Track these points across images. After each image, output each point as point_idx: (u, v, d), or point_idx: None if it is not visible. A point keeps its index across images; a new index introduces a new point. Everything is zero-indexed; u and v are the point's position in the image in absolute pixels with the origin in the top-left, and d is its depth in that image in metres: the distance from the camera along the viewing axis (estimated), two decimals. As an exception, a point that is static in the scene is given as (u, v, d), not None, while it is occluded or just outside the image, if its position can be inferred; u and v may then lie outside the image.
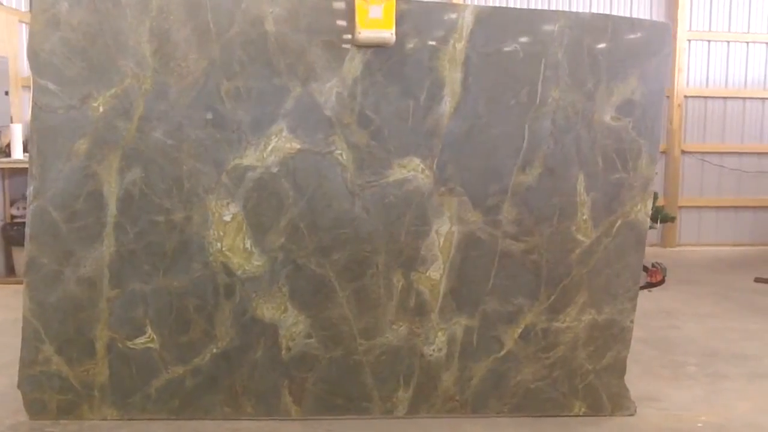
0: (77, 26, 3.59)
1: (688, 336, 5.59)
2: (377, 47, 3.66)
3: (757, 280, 7.47)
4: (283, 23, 3.65)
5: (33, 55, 3.60)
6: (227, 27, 3.63)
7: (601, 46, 3.79)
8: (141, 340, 3.80)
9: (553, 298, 3.92)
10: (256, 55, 3.66)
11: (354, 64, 3.69)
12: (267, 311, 3.81)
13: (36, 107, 3.62)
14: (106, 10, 3.57)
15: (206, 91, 3.65)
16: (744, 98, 9.84)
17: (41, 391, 3.79)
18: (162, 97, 3.64)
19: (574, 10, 8.83)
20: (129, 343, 3.79)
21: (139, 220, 3.70)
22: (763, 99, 9.88)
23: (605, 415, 4.03)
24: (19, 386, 3.80)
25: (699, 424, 3.94)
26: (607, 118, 3.83)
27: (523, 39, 3.75)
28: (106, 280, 3.73)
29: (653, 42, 3.80)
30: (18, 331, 3.78)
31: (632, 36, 3.79)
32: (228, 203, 3.72)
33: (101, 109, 3.63)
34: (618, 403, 4.06)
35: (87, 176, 3.66)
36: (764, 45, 9.84)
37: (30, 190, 3.67)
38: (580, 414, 4.02)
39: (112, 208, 3.69)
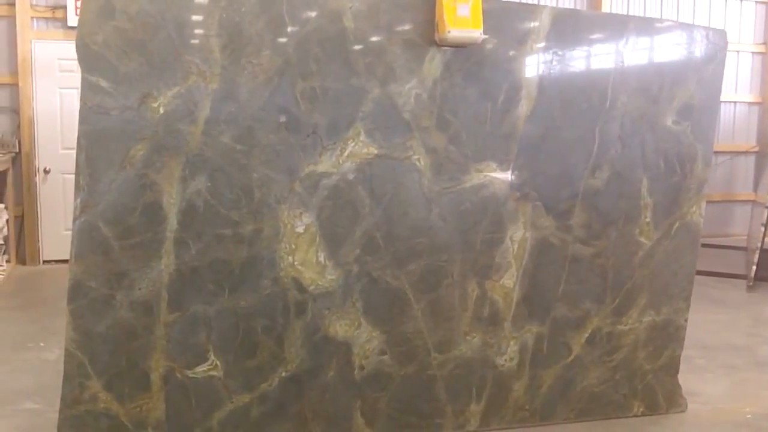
0: (135, 16, 3.15)
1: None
2: (458, 47, 3.50)
3: (697, 272, 7.92)
4: (363, 19, 3.40)
5: (82, 46, 3.12)
6: (304, 22, 3.33)
7: (666, 50, 3.83)
8: (202, 368, 3.40)
9: (617, 301, 3.93)
10: (334, 53, 3.38)
11: (434, 64, 3.50)
12: (340, 328, 3.54)
13: (85, 107, 3.14)
14: (168, -2, 3.17)
15: (280, 91, 3.32)
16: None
17: (86, 434, 3.31)
18: (231, 98, 3.27)
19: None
20: (189, 373, 3.39)
21: (203, 235, 3.31)
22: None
23: (661, 414, 4.10)
24: (59, 429, 3.30)
25: (748, 416, 4.10)
26: (669, 122, 3.89)
27: (596, 42, 3.73)
28: (164, 303, 3.31)
29: (711, 47, 3.90)
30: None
31: (693, 41, 3.87)
32: (301, 213, 3.41)
33: (162, 111, 3.21)
34: (672, 400, 4.14)
35: (144, 186, 3.23)
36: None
37: (77, 203, 3.18)
38: (639, 414, 4.07)
39: (172, 221, 3.27)
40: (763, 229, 7.66)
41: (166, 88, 3.21)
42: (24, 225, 7.89)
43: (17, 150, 7.78)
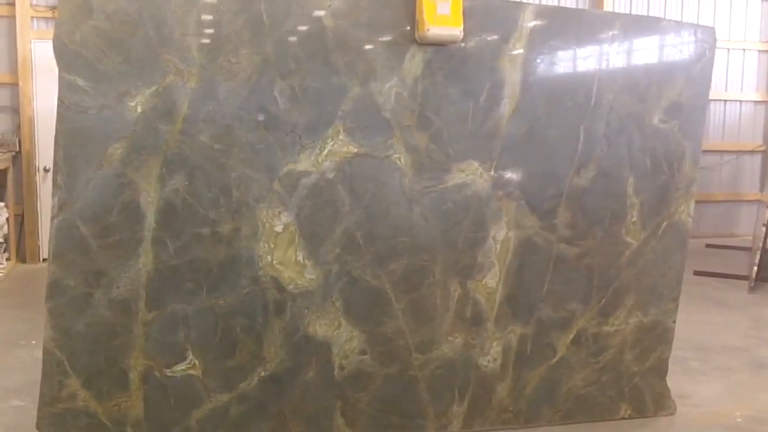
0: (113, 14, 3.14)
1: (671, 331, 5.77)
2: (439, 45, 3.47)
3: (697, 272, 7.87)
4: (343, 17, 3.38)
5: (60, 46, 3.12)
6: (282, 20, 3.31)
7: (653, 48, 3.79)
8: (181, 366, 3.40)
9: (603, 301, 3.89)
10: (313, 52, 3.36)
11: (415, 62, 3.48)
12: (320, 328, 3.52)
13: (63, 106, 3.15)
14: (146, -4, 3.16)
15: (258, 90, 3.31)
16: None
17: (65, 431, 3.31)
18: (209, 97, 3.26)
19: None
20: (167, 371, 3.38)
21: (182, 234, 3.31)
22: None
23: (649, 416, 4.05)
24: (38, 427, 3.30)
25: (738, 420, 4.04)
26: (656, 120, 3.84)
27: (581, 39, 3.69)
28: (143, 302, 3.31)
29: (699, 45, 3.85)
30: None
31: (681, 39, 3.82)
32: (280, 212, 3.40)
33: (140, 109, 3.20)
34: (660, 403, 4.10)
35: (122, 185, 3.22)
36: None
37: (54, 202, 3.18)
38: (626, 416, 4.03)
39: (150, 220, 3.27)
40: (764, 229, 7.57)
41: (144, 87, 3.20)
42: (24, 223, 7.94)
43: (17, 149, 7.82)
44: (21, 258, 7.98)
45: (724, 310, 6.49)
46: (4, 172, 7.62)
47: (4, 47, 7.79)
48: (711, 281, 7.73)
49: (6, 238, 7.60)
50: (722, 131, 10.66)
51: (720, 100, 10.50)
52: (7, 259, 7.66)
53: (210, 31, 3.23)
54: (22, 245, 7.96)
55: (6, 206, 7.52)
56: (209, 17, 3.23)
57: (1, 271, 7.29)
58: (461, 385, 3.75)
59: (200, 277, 3.36)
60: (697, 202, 10.40)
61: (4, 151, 7.62)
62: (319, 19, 3.35)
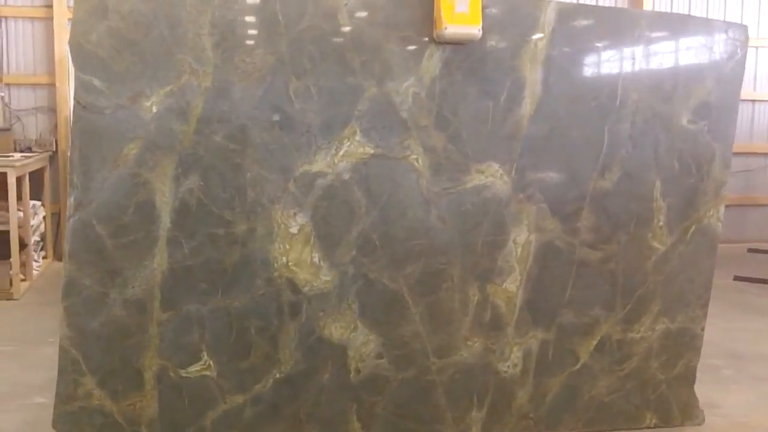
0: (128, 15, 3.15)
1: (704, 337, 5.58)
2: (457, 44, 3.40)
3: (737, 278, 7.63)
4: (359, 16, 3.34)
5: (76, 47, 3.14)
6: (297, 19, 3.28)
7: (681, 46, 3.67)
8: (195, 367, 3.39)
9: (628, 307, 3.78)
10: (329, 52, 3.32)
11: (432, 62, 3.42)
12: (335, 331, 3.48)
13: (78, 106, 3.16)
14: (161, -3, 3.16)
15: (273, 90, 3.29)
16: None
17: (80, 430, 3.33)
18: (224, 97, 3.25)
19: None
20: (182, 372, 3.38)
21: (196, 234, 3.30)
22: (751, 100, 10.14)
23: (676, 426, 3.93)
24: (54, 425, 3.33)
25: None
26: (684, 121, 3.71)
27: (605, 37, 3.58)
28: (157, 302, 3.31)
29: (731, 43, 3.71)
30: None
31: (711, 37, 3.69)
32: (295, 214, 3.37)
33: (154, 109, 3.20)
34: (688, 412, 3.97)
35: (137, 185, 3.23)
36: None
37: (70, 201, 3.21)
38: (651, 426, 3.91)
39: (165, 220, 3.27)
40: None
41: (158, 87, 3.20)
42: (61, 222, 8.07)
43: (54, 149, 7.96)
44: (57, 256, 8.11)
45: (762, 317, 6.27)
46: (42, 171, 7.75)
47: (42, 49, 7.94)
48: (751, 287, 7.49)
49: (43, 236, 7.74)
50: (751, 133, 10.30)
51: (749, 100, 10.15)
52: (44, 257, 7.80)
53: (224, 31, 3.22)
54: (58, 244, 8.09)
55: (43, 205, 7.66)
56: (224, 17, 3.21)
57: (38, 269, 7.42)
58: (480, 390, 3.68)
59: (215, 277, 3.35)
60: (740, 205, 10.19)
61: (42, 150, 7.76)
62: (334, 18, 3.31)
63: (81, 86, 3.16)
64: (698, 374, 4.69)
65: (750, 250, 9.53)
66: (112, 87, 3.17)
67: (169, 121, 3.22)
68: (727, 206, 10.01)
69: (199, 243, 3.31)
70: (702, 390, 4.39)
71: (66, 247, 3.24)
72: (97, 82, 3.16)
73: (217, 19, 3.21)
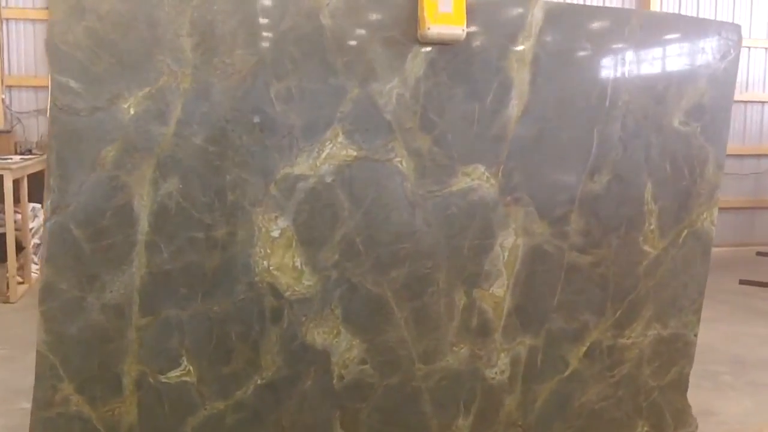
0: (105, 15, 3.10)
1: (706, 343, 5.45)
2: (443, 44, 3.34)
3: (743, 282, 7.52)
4: (341, 16, 3.28)
5: (52, 48, 3.09)
6: (278, 20, 3.23)
7: (673, 46, 3.59)
8: (176, 373, 3.34)
9: (619, 313, 3.70)
10: (311, 52, 3.26)
11: (417, 62, 3.35)
12: (318, 336, 3.42)
13: (55, 108, 3.11)
14: (139, -3, 3.11)
15: (254, 91, 3.23)
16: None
17: (59, 437, 3.29)
18: (203, 98, 3.20)
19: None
20: (162, 378, 3.33)
21: (176, 238, 3.25)
22: (761, 102, 10.02)
23: (669, 434, 3.84)
24: (32, 431, 3.29)
25: (764, 440, 3.81)
26: (676, 122, 3.64)
27: (594, 37, 3.51)
28: (136, 307, 3.26)
29: (724, 43, 3.63)
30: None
31: (704, 36, 3.61)
32: (276, 217, 3.31)
33: (132, 111, 3.15)
34: (681, 420, 3.88)
35: (115, 188, 3.18)
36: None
37: (47, 205, 3.16)
38: (644, 434, 3.83)
39: (144, 224, 3.22)
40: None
41: (136, 89, 3.15)
42: (60, 224, 8.05)
43: (54, 151, 7.93)
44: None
45: (766, 322, 6.16)
46: (42, 173, 7.74)
47: (43, 51, 7.94)
48: (757, 291, 7.38)
49: (43, 239, 7.73)
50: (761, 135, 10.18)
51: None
52: (43, 260, 7.79)
53: (204, 31, 3.17)
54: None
55: (42, 207, 7.66)
56: (203, 17, 3.16)
57: (36, 272, 7.41)
58: (467, 397, 3.61)
59: (195, 282, 3.29)
60: (749, 208, 10.08)
61: (42, 153, 7.76)
62: (316, 18, 3.26)
63: (57, 88, 3.11)
64: (697, 380, 4.64)
65: (759, 254, 9.41)
66: (90, 88, 3.12)
67: (148, 123, 3.17)
68: (736, 209, 10.05)
69: (179, 247, 3.26)
70: (699, 396, 4.33)
71: (43, 251, 3.20)
72: (74, 84, 3.11)
73: (196, 19, 3.16)
